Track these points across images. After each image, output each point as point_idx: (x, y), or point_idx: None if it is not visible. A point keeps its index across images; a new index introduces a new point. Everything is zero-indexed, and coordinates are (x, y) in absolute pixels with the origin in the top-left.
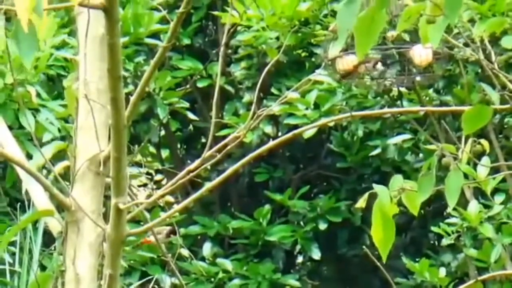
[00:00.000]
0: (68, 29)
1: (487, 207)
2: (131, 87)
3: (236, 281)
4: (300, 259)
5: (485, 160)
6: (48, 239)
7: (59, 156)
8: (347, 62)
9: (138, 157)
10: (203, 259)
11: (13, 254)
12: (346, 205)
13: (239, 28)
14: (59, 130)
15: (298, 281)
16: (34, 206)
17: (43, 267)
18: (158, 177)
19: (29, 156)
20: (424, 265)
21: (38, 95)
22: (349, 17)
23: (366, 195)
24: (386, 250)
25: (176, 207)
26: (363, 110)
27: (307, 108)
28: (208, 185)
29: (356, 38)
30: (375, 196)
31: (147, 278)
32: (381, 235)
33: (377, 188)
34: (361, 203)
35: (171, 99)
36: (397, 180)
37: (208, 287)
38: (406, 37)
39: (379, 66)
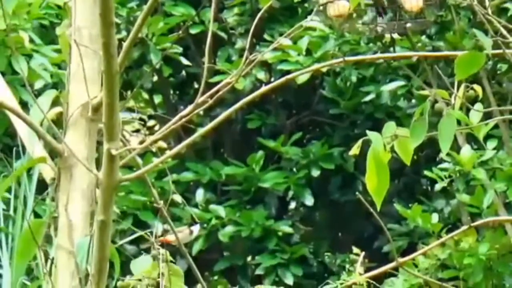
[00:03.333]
0: None
1: (480, 153)
2: (124, 33)
3: (229, 228)
4: (292, 205)
5: (478, 106)
6: (42, 185)
7: (52, 103)
8: (338, 7)
9: (131, 103)
10: (196, 205)
11: (7, 200)
12: (339, 152)
13: None
14: (51, 76)
15: (290, 227)
16: (27, 152)
17: (37, 214)
18: (150, 122)
19: (22, 103)
20: (417, 211)
21: (31, 41)
22: None
23: (359, 142)
24: (381, 197)
25: (169, 152)
26: (356, 56)
27: (299, 54)
28: (200, 131)
29: None
30: (368, 142)
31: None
32: (375, 182)
33: (371, 134)
34: (355, 150)
35: (164, 44)
36: (390, 127)
37: (201, 234)
38: None
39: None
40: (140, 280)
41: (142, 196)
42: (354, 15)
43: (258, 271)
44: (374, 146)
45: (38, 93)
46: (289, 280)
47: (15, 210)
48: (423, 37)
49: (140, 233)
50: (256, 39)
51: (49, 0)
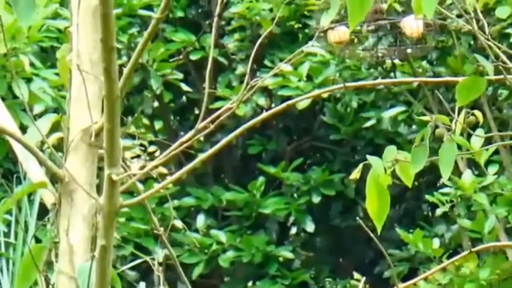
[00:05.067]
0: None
1: (481, 178)
2: (124, 59)
3: (230, 253)
4: (293, 230)
5: (479, 131)
6: (43, 210)
7: (52, 127)
8: (339, 34)
9: (132, 129)
10: (196, 231)
11: (8, 225)
12: (340, 178)
13: None
14: (52, 100)
15: (291, 253)
16: (27, 177)
17: (38, 239)
18: (151, 148)
19: (22, 127)
20: (418, 236)
21: (32, 64)
22: None
23: (360, 166)
24: (381, 221)
25: (170, 178)
26: (356, 81)
27: (300, 80)
28: (201, 156)
29: (348, 8)
30: (369, 167)
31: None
32: (376, 207)
33: (371, 159)
34: (355, 174)
35: (165, 70)
36: (390, 151)
37: (201, 259)
38: (399, 8)
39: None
40: None
41: (143, 222)
42: (355, 40)
43: None
44: (375, 170)
45: (39, 118)
46: None
47: (16, 235)
48: (424, 63)
49: (141, 260)
50: (256, 64)
51: (49, 24)
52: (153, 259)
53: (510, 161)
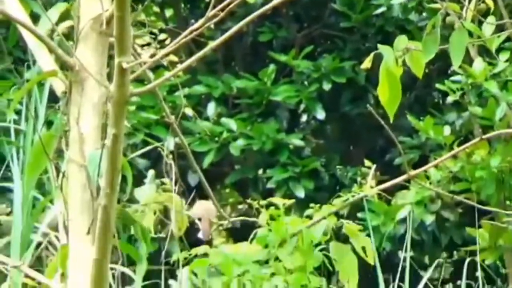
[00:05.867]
0: None
1: (492, 65)
2: None
3: (240, 141)
4: (304, 118)
5: (490, 18)
6: (53, 99)
7: (62, 16)
8: None
9: (142, 17)
10: (207, 119)
11: (18, 113)
12: (350, 65)
13: None
14: None
15: (302, 140)
16: (38, 64)
17: (48, 126)
18: (161, 36)
19: (33, 16)
20: (429, 123)
21: None
22: None
23: (371, 55)
24: (393, 110)
25: (180, 66)
26: None
27: None
28: (211, 44)
29: None
30: (379, 56)
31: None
32: (388, 95)
33: (382, 48)
34: (366, 63)
35: None
36: (401, 40)
37: (212, 147)
38: None
39: None
40: (146, 205)
41: (154, 110)
42: None
43: (270, 185)
44: (386, 60)
45: (49, 6)
46: (301, 193)
47: (26, 123)
48: None
49: (152, 146)
50: None
51: None
52: (163, 146)
53: None
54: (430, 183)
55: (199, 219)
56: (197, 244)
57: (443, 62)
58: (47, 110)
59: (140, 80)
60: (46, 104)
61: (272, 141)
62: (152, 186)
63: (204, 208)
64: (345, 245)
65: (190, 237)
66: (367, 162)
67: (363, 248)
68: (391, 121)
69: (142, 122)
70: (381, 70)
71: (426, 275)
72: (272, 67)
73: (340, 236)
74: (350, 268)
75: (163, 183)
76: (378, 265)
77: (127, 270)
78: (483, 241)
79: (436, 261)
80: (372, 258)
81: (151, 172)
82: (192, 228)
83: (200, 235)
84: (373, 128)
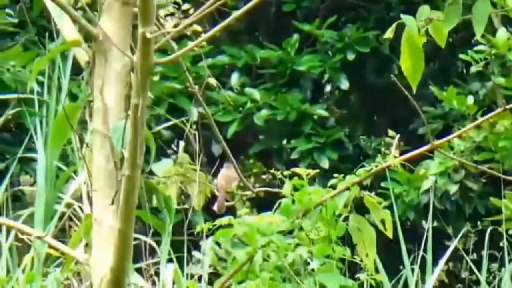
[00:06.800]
0: None
1: None
2: None
3: (264, 111)
4: (328, 88)
5: None
6: (76, 69)
7: None
8: None
9: None
10: (231, 89)
11: (41, 84)
12: (374, 35)
13: None
14: None
15: (326, 111)
16: (61, 35)
17: (71, 98)
18: (185, 6)
19: None
20: (452, 93)
21: None
22: None
23: (394, 25)
24: (416, 80)
25: (204, 36)
26: None
27: None
28: (235, 13)
29: None
30: (403, 26)
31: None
32: (410, 66)
33: (405, 18)
34: (389, 33)
35: None
36: (424, 10)
37: (236, 117)
38: None
39: None
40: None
41: (177, 81)
42: None
43: (294, 155)
44: (408, 30)
45: None
46: (325, 164)
47: (49, 93)
48: None
49: (174, 121)
50: None
51: None
52: (188, 119)
53: None
54: (454, 153)
55: (217, 190)
56: (220, 215)
57: (467, 32)
58: (70, 82)
59: (163, 50)
60: (69, 75)
61: (296, 111)
62: (169, 160)
63: (223, 177)
64: (363, 217)
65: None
66: (390, 132)
67: (382, 221)
68: (414, 92)
69: (165, 93)
70: (403, 41)
71: (452, 245)
72: (296, 37)
73: (362, 206)
74: (368, 242)
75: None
76: (401, 235)
77: (151, 241)
78: (507, 211)
79: (462, 231)
80: (391, 231)
81: (181, 144)
82: (216, 199)
83: (214, 207)
84: (396, 98)
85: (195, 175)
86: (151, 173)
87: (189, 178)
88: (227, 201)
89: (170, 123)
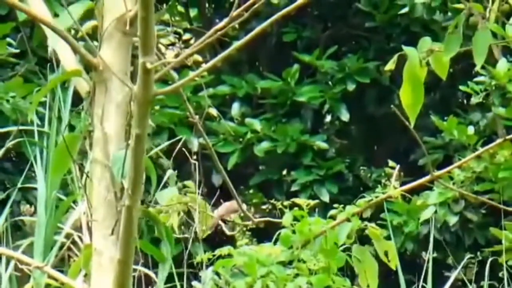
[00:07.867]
0: None
1: None
2: None
3: (265, 144)
4: (328, 118)
5: None
6: (77, 99)
7: (86, 15)
8: None
9: (166, 16)
10: (231, 119)
11: (42, 115)
12: (375, 65)
13: None
14: None
15: (326, 141)
16: (61, 65)
17: (71, 128)
18: (186, 36)
19: (57, 15)
20: (453, 123)
21: None
22: None
23: (395, 57)
24: (415, 113)
25: (204, 66)
26: None
27: None
28: (236, 44)
29: None
30: (404, 56)
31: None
32: (410, 98)
33: (406, 49)
34: (390, 65)
35: None
36: (425, 42)
37: (236, 147)
38: None
39: None
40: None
41: (178, 110)
42: None
43: (294, 187)
44: (410, 62)
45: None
46: (325, 197)
47: (49, 124)
48: None
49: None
50: None
51: None
52: (189, 148)
53: None
54: (454, 183)
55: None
56: (220, 245)
57: (468, 63)
58: (70, 113)
59: (164, 80)
60: (69, 107)
61: (296, 143)
62: (173, 189)
63: (224, 206)
64: (365, 248)
65: (214, 239)
66: (391, 163)
67: (385, 253)
68: (412, 125)
69: (166, 121)
70: (404, 73)
71: (452, 276)
72: (296, 67)
73: (363, 237)
74: (370, 273)
75: (185, 186)
76: (399, 266)
77: (150, 272)
78: (507, 241)
79: (463, 261)
80: (395, 262)
81: (171, 173)
82: (215, 230)
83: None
84: (397, 128)
85: (195, 204)
86: (153, 201)
87: (192, 206)
88: (221, 229)
89: (165, 144)
